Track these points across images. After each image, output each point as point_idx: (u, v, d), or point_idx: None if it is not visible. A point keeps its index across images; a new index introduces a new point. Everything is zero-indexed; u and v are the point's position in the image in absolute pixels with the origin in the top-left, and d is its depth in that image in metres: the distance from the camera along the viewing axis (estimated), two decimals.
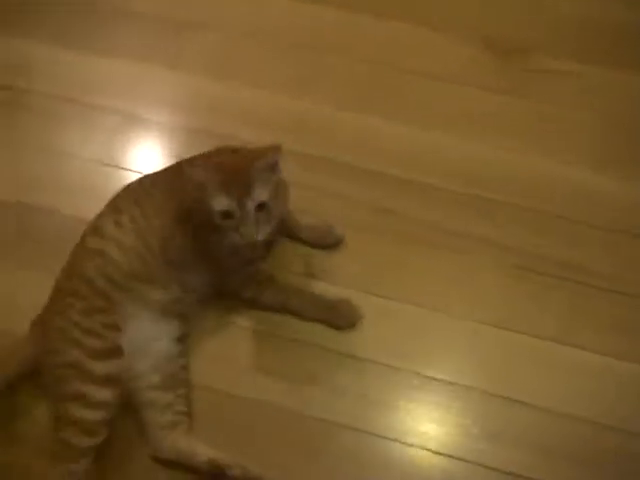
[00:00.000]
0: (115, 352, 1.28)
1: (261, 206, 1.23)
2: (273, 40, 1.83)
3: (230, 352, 1.43)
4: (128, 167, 1.67)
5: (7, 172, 1.67)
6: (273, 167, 1.26)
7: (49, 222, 1.58)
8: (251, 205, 1.22)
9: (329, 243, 1.53)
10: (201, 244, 1.34)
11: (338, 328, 1.43)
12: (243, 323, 1.46)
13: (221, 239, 1.26)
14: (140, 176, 1.47)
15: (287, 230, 1.52)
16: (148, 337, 1.34)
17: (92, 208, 1.45)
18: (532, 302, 1.46)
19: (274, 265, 1.48)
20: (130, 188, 1.42)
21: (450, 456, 1.33)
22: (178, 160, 1.46)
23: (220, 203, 1.22)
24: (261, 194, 1.23)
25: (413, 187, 1.60)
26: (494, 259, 1.51)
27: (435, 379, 1.40)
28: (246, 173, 1.23)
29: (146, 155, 1.70)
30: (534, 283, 1.48)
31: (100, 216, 1.40)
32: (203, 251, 1.35)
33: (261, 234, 1.24)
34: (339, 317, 1.44)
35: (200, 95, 1.77)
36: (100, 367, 1.25)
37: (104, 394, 1.24)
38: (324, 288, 1.47)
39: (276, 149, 1.24)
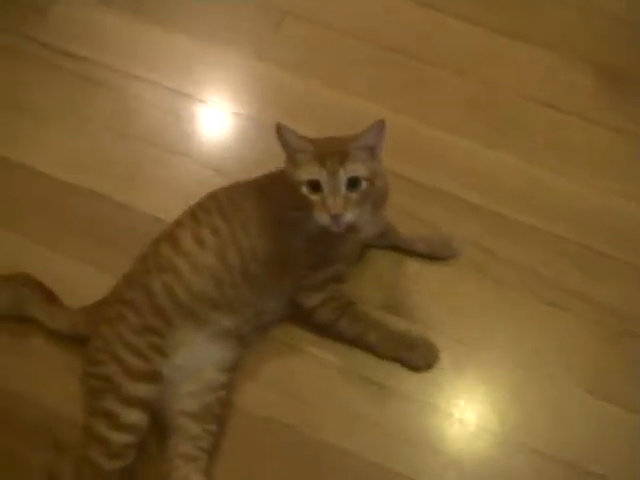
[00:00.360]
0: (155, 377, 1.23)
1: (354, 182, 1.17)
2: (379, 45, 1.70)
3: (288, 379, 1.37)
4: (207, 163, 1.59)
5: (70, 150, 1.60)
6: (373, 148, 1.20)
7: (119, 215, 1.52)
8: (343, 176, 1.16)
9: (444, 255, 1.45)
10: (284, 244, 1.27)
11: (414, 369, 1.36)
12: (310, 350, 1.39)
13: (305, 224, 1.19)
14: (230, 184, 1.37)
15: (391, 240, 1.44)
16: (197, 363, 1.27)
17: (166, 205, 1.42)
18: (621, 368, 1.38)
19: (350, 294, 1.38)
20: (217, 197, 1.33)
21: None
22: (263, 166, 1.38)
23: (310, 171, 1.16)
24: (356, 169, 1.17)
25: (511, 225, 1.51)
26: (588, 317, 1.42)
27: (505, 438, 1.34)
28: (342, 146, 1.18)
29: (227, 151, 1.61)
30: (625, 347, 1.40)
31: (180, 224, 1.32)
32: (285, 259, 1.28)
33: (349, 213, 1.16)
34: (417, 357, 1.35)
35: (288, 92, 1.66)
36: (137, 389, 1.20)
37: (135, 417, 1.19)
38: (396, 322, 1.39)
39: (379, 125, 1.18)
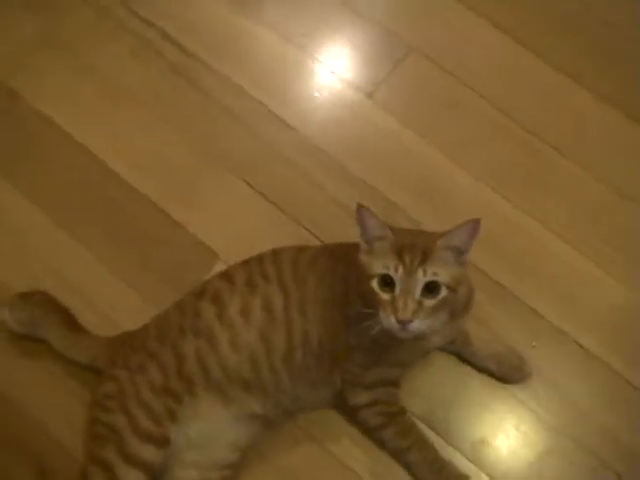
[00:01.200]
0: (164, 442, 1.13)
1: (432, 287, 1.01)
2: (509, 117, 1.48)
3: (303, 473, 1.25)
4: (270, 196, 1.43)
5: (136, 145, 1.46)
6: (461, 250, 1.04)
7: (166, 231, 1.40)
8: (421, 278, 1.01)
9: (513, 380, 1.28)
10: (343, 336, 1.13)
11: None
12: (332, 448, 1.25)
13: (368, 321, 1.04)
14: (296, 246, 1.23)
15: (460, 348, 1.29)
16: (210, 440, 1.16)
17: (218, 233, 1.36)
18: None
19: None
20: (281, 261, 1.18)
21: None
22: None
23: (385, 264, 1.02)
24: (437, 272, 1.01)
25: (595, 367, 1.31)
26: None
27: None
28: (426, 243, 1.03)
29: (293, 188, 1.44)
30: None
31: (231, 281, 1.18)
32: (338, 351, 1.15)
33: (420, 322, 1.01)
34: None
35: (385, 139, 1.47)
36: (142, 451, 1.11)
37: (134, 477, 1.10)
38: (435, 442, 1.24)
39: (474, 225, 1.02)
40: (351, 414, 1.22)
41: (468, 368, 1.30)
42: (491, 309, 1.33)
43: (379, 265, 1.03)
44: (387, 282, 1.02)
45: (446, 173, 1.44)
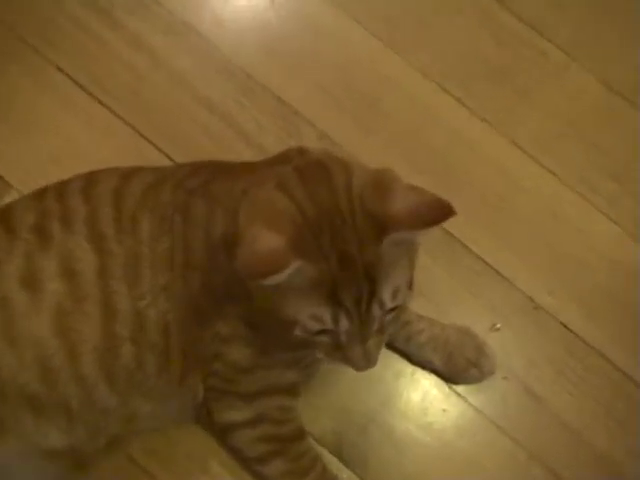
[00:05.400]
0: None
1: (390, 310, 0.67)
2: None
3: None
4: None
5: None
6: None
7: None
8: (378, 313, 0.65)
9: (467, 378, 0.91)
10: (206, 321, 0.75)
11: None
12: None
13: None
14: (126, 169, 0.81)
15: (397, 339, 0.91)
16: None
17: (20, 160, 0.94)
18: None
19: None
20: (93, 191, 0.77)
21: None
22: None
23: (312, 314, 0.64)
24: (396, 286, 0.65)
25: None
26: None
27: None
28: (364, 244, 0.62)
29: None
30: None
31: (7, 227, 0.76)
32: (204, 345, 0.77)
33: (377, 352, 0.69)
34: None
35: None
36: None
37: None
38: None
39: (443, 211, 0.61)
40: (218, 435, 0.84)
41: (401, 362, 0.91)
42: (436, 272, 0.93)
43: (302, 312, 0.64)
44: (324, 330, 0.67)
45: (377, 63, 1.00)
